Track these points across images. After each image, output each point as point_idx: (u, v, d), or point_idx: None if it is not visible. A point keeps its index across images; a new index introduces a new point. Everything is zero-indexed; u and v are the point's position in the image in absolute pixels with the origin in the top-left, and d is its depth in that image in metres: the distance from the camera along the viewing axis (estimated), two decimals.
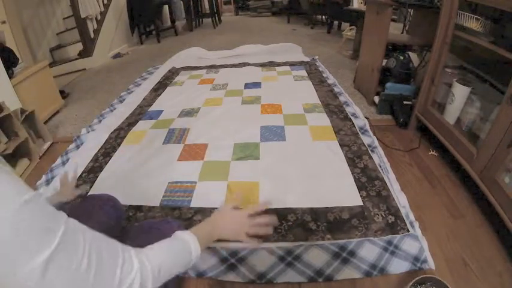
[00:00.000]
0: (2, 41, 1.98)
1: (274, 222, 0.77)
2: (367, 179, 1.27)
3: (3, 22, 2.21)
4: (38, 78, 2.06)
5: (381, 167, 1.35)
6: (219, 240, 0.70)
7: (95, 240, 0.42)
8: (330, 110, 1.85)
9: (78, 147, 1.69)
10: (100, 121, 1.96)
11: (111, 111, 2.10)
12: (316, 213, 1.11)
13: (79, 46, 3.31)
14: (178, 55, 3.31)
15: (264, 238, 0.71)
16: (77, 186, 0.95)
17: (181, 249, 0.57)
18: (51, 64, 3.12)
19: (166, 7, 4.75)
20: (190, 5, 4.98)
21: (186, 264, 0.57)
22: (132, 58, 3.64)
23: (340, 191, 1.22)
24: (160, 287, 0.50)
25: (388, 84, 1.81)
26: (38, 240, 0.35)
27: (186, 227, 0.66)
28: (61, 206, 0.81)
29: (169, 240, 0.57)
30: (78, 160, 1.55)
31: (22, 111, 1.66)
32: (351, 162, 1.38)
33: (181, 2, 4.53)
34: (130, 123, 1.88)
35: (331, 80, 2.36)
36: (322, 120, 1.75)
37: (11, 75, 1.82)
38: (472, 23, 1.21)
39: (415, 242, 0.99)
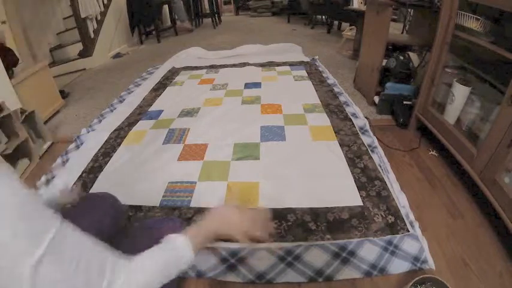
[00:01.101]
0: (2, 41, 1.98)
1: (272, 228, 0.74)
2: (367, 179, 1.27)
3: (3, 22, 2.21)
4: (38, 78, 2.06)
5: (380, 167, 1.35)
6: (217, 240, 0.66)
7: (85, 248, 0.42)
8: (330, 110, 1.85)
9: (78, 147, 1.69)
10: (100, 121, 1.96)
11: (111, 111, 2.10)
12: (316, 213, 1.11)
13: (79, 46, 3.31)
14: (178, 55, 3.31)
15: (260, 241, 0.68)
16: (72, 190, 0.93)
17: (172, 259, 0.55)
18: (51, 64, 3.13)
19: (166, 7, 4.75)
20: (191, 5, 4.98)
21: (176, 273, 0.55)
22: (132, 58, 3.64)
23: (340, 191, 1.22)
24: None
25: (388, 84, 1.81)
26: (29, 242, 0.35)
27: (186, 225, 0.66)
28: (62, 208, 0.81)
29: (161, 249, 0.55)
30: (78, 160, 1.55)
31: (22, 111, 1.66)
32: (351, 162, 1.38)
33: (182, 2, 4.53)
34: (130, 123, 1.88)
35: (331, 80, 2.36)
36: (322, 120, 1.75)
37: (11, 75, 1.82)
38: (472, 23, 1.21)
39: (415, 242, 0.99)
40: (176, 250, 0.56)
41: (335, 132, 1.61)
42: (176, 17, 4.69)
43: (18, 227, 0.35)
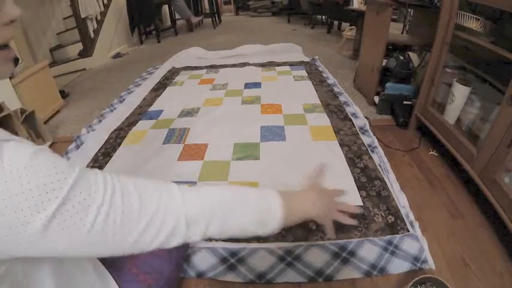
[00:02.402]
0: None
1: (358, 213, 0.65)
2: (367, 179, 1.27)
3: None
4: (38, 78, 2.06)
5: (380, 167, 1.35)
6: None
7: (119, 182, 0.37)
8: (330, 110, 1.85)
9: (78, 147, 1.69)
10: (100, 121, 1.96)
11: (111, 111, 2.10)
12: None
13: (79, 46, 3.31)
14: (178, 55, 3.31)
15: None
16: None
17: (252, 201, 0.44)
18: (51, 64, 3.12)
19: (166, 7, 4.75)
20: (191, 5, 4.98)
21: (258, 227, 0.44)
22: (132, 58, 3.64)
23: None
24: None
25: (388, 84, 1.81)
26: (48, 186, 0.31)
27: None
28: None
29: (243, 188, 0.46)
30: (78, 160, 1.55)
31: (22, 111, 1.65)
32: (351, 162, 1.38)
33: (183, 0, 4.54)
34: (130, 123, 1.88)
35: (331, 80, 2.36)
36: (322, 120, 1.75)
37: (11, 75, 1.82)
38: (472, 23, 1.21)
39: (415, 242, 0.99)
40: (263, 198, 0.46)
41: (335, 132, 1.61)
42: (180, 16, 4.70)
43: (39, 162, 0.31)
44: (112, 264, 0.55)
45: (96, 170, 0.38)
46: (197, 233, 0.41)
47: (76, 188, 0.33)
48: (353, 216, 0.62)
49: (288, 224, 0.49)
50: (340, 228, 1.05)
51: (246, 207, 0.44)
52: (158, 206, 0.38)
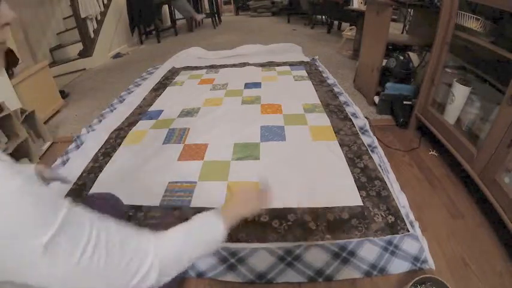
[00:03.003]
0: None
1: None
2: (367, 179, 1.28)
3: None
4: (38, 78, 2.06)
5: (381, 167, 1.35)
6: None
7: (103, 225, 0.40)
8: (330, 110, 1.85)
9: (78, 147, 1.69)
10: (100, 121, 1.96)
11: (111, 111, 2.10)
12: (316, 213, 1.11)
13: (79, 46, 3.31)
14: (178, 55, 3.31)
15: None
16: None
17: (204, 234, 0.53)
18: (51, 64, 3.12)
19: (166, 7, 4.75)
20: (191, 5, 4.98)
21: (208, 250, 0.53)
22: (132, 58, 3.64)
23: (340, 191, 1.22)
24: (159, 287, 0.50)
25: (388, 84, 1.81)
26: (41, 218, 0.33)
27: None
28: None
29: (191, 224, 0.53)
30: (78, 160, 1.55)
31: (22, 111, 1.66)
32: (351, 162, 1.38)
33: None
34: (130, 123, 1.88)
35: (331, 80, 2.36)
36: (322, 120, 1.75)
37: (11, 75, 1.82)
38: (472, 23, 1.21)
39: (415, 242, 0.99)
40: (210, 225, 0.54)
41: (335, 132, 1.61)
42: (183, 15, 4.70)
43: (25, 209, 0.33)
44: None
45: (81, 212, 0.39)
46: (167, 276, 0.46)
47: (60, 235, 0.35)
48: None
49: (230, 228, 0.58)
50: (341, 229, 1.05)
51: (201, 245, 0.53)
52: (136, 251, 0.41)
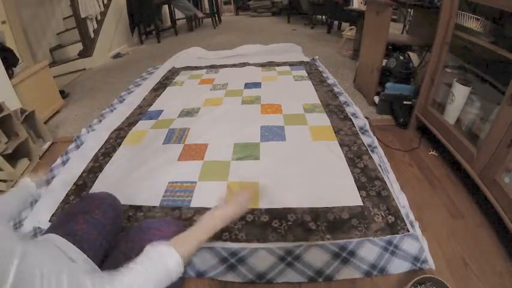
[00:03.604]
0: (2, 41, 1.98)
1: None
2: (367, 179, 1.27)
3: (3, 22, 2.21)
4: (38, 78, 2.06)
5: (381, 167, 1.35)
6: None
7: (54, 275, 0.40)
8: (330, 110, 1.85)
9: (78, 147, 1.69)
10: (100, 121, 1.96)
11: (111, 111, 2.10)
12: (316, 213, 1.11)
13: (79, 46, 3.31)
14: (178, 55, 3.31)
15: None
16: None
17: (159, 272, 0.53)
18: (51, 64, 3.13)
19: (166, 7, 4.75)
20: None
21: (165, 284, 0.54)
22: (132, 58, 3.64)
23: (340, 191, 1.22)
24: None
25: (388, 84, 1.81)
26: None
27: (186, 227, 0.66)
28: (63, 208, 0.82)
29: (147, 262, 0.53)
30: (78, 160, 1.55)
31: (22, 111, 1.66)
32: (351, 162, 1.38)
33: None
34: (130, 123, 1.88)
35: (331, 80, 2.36)
36: (322, 120, 1.75)
37: (11, 75, 1.82)
38: (472, 23, 1.21)
39: (415, 242, 0.99)
40: (162, 262, 0.54)
41: (335, 132, 1.61)
42: (184, 14, 4.70)
43: None
44: None
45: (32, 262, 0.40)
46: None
47: None
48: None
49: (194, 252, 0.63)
50: (341, 229, 1.05)
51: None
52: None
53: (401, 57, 1.78)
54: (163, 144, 1.62)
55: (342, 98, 2.01)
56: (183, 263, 0.56)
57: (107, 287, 0.45)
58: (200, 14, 4.80)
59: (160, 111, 2.00)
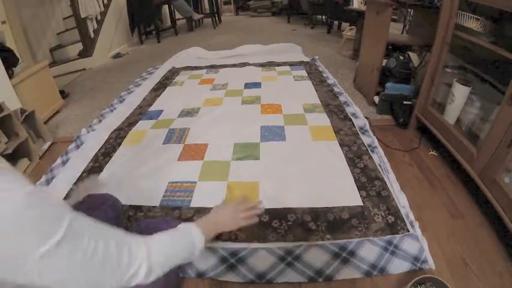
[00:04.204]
0: (2, 41, 1.98)
1: (260, 211, 0.92)
2: (367, 179, 1.27)
3: (3, 22, 2.21)
4: (38, 78, 2.06)
5: (380, 167, 1.35)
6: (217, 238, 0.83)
7: (100, 230, 0.45)
8: (330, 110, 1.85)
9: (78, 147, 1.69)
10: (100, 121, 1.96)
11: (111, 111, 2.10)
12: (316, 213, 1.11)
13: (79, 46, 3.31)
14: (178, 55, 3.31)
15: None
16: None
17: (185, 241, 0.62)
18: (51, 64, 3.13)
19: (166, 7, 4.75)
20: (191, 5, 4.98)
21: (190, 256, 0.62)
22: (132, 58, 3.64)
23: (340, 191, 1.22)
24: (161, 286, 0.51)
25: (388, 84, 1.81)
26: (45, 229, 0.36)
27: None
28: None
29: (175, 231, 0.62)
30: (78, 160, 1.55)
31: (22, 111, 1.66)
32: (351, 162, 1.38)
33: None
34: (130, 123, 1.88)
35: (331, 80, 2.36)
36: (322, 120, 1.75)
37: (11, 75, 1.82)
38: (472, 23, 1.21)
39: (415, 242, 0.99)
40: (190, 235, 0.64)
41: (335, 132, 1.61)
42: (181, 15, 4.70)
43: (28, 217, 0.35)
44: None
45: (80, 222, 0.43)
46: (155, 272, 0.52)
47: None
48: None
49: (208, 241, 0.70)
50: (341, 229, 1.05)
51: (183, 251, 0.62)
52: (129, 253, 0.47)
53: (401, 57, 1.78)
54: (163, 144, 1.62)
55: (342, 98, 2.01)
56: (205, 241, 0.66)
57: (142, 244, 0.50)
58: (196, 16, 4.79)
59: (160, 111, 2.00)
